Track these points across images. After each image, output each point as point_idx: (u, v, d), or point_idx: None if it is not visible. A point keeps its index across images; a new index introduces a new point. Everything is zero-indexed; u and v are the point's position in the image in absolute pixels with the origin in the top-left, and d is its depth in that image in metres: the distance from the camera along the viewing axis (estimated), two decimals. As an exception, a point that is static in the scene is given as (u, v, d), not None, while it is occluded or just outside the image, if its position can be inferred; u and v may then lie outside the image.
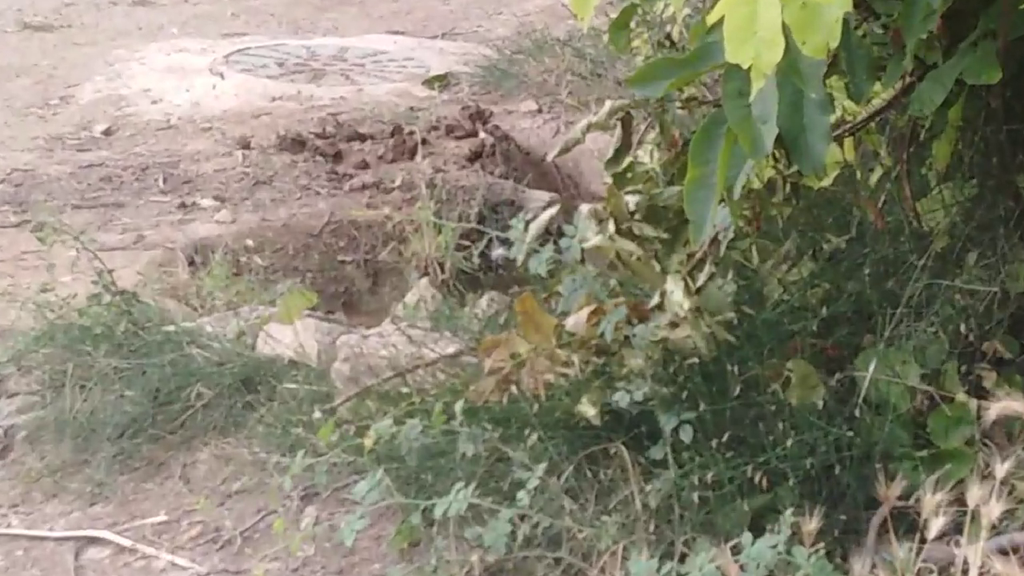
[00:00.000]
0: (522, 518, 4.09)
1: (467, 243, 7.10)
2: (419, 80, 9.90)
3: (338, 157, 8.32)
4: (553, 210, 4.83)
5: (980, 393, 4.29)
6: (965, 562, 3.53)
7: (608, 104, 4.70)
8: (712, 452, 4.07)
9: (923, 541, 3.54)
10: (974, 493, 3.45)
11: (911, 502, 3.72)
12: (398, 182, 7.87)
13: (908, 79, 4.43)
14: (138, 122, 8.96)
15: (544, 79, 9.61)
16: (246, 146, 8.46)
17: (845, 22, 3.30)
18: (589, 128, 4.66)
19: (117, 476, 5.05)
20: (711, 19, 3.28)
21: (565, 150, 4.80)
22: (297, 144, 8.42)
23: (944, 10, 4.02)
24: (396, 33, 11.14)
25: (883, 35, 4.26)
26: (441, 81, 9.81)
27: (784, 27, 3.13)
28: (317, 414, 4.90)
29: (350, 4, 11.27)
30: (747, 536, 3.72)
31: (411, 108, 9.27)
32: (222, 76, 9.71)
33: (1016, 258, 4.46)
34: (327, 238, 7.38)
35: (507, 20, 11.02)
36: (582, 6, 3.25)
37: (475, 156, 8.36)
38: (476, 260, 6.56)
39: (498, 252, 5.38)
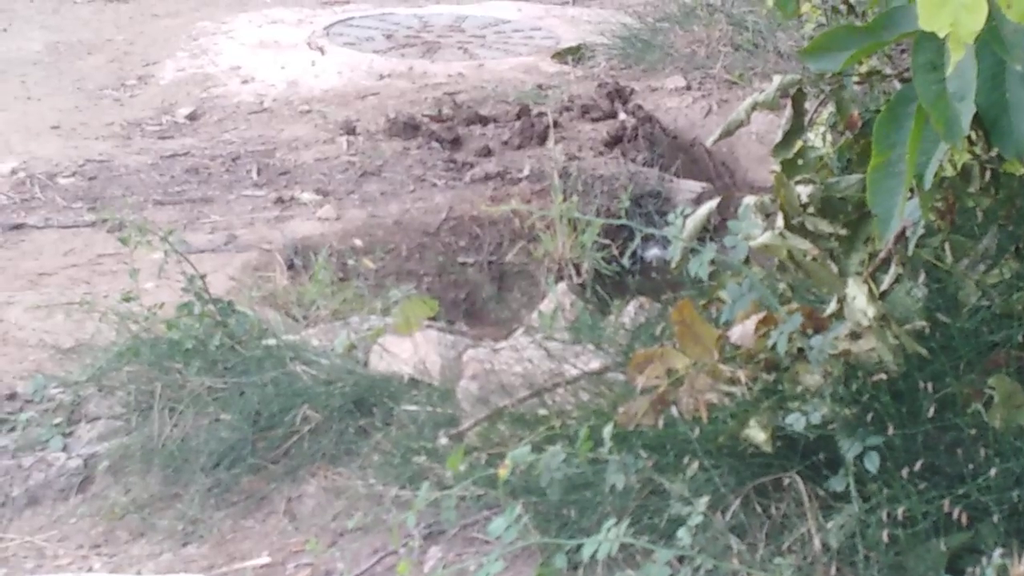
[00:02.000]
0: (681, 560, 4.09)
1: (607, 242, 7.10)
2: (548, 53, 9.90)
3: (457, 143, 8.34)
4: (712, 203, 4.82)
5: None
6: None
7: (776, 79, 4.69)
8: (903, 483, 4.05)
9: None
10: None
11: None
12: (526, 171, 7.87)
13: None
14: (227, 105, 8.99)
15: (693, 51, 9.58)
16: (351, 131, 8.48)
17: None
18: (755, 107, 4.65)
19: (213, 512, 5.05)
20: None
21: (727, 133, 4.79)
22: (410, 128, 8.43)
23: None
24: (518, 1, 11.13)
25: None
26: (574, 54, 9.81)
27: (986, -11, 3.12)
28: (442, 440, 4.91)
29: None
30: None
31: (539, 86, 9.27)
32: (322, 51, 9.74)
33: None
34: (446, 237, 7.39)
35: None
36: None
37: (615, 141, 8.35)
38: (622, 262, 6.40)
39: (652, 251, 5.39)
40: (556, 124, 8.46)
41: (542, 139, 8.38)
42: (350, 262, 6.88)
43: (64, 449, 5.38)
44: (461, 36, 10.29)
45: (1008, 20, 3.34)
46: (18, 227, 7.33)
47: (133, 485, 5.20)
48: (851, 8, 5.41)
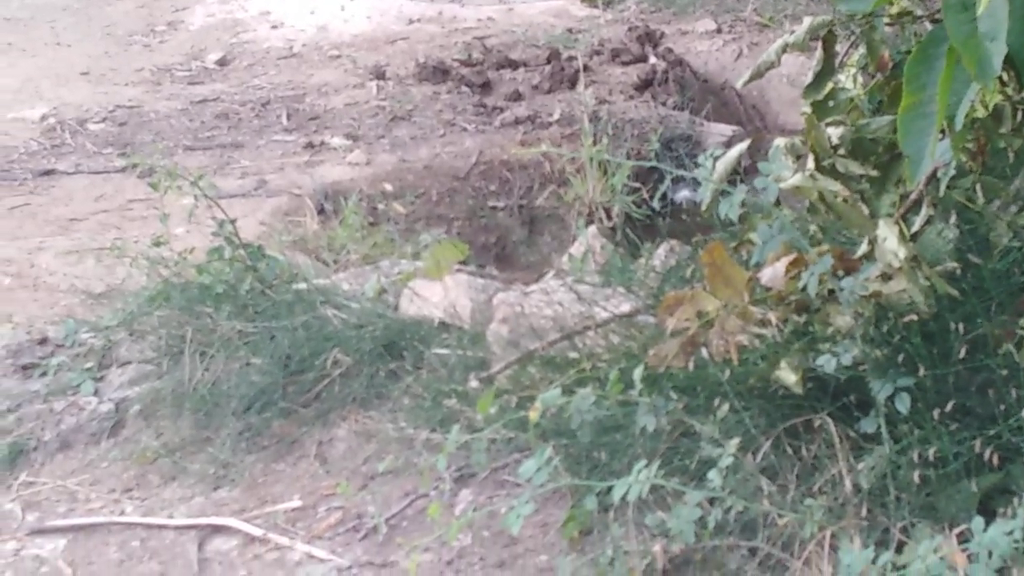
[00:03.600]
0: (712, 502, 4.09)
1: (637, 185, 7.10)
2: (579, -2, 9.89)
3: (486, 87, 8.35)
4: (743, 145, 4.82)
5: None
6: None
7: (807, 21, 4.68)
8: (934, 424, 4.05)
9: None
10: None
11: None
12: (556, 115, 7.88)
13: None
14: (256, 50, 9.00)
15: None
16: (380, 76, 8.49)
17: None
18: (785, 49, 4.65)
19: (244, 455, 5.06)
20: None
21: (757, 75, 4.79)
22: (439, 73, 8.44)
23: None
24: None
25: None
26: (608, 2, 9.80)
27: (1020, -73, 3.12)
28: (473, 383, 4.91)
29: None
30: (977, 521, 3.70)
31: (569, 30, 9.28)
32: (350, -5, 9.74)
33: None
34: (475, 181, 7.39)
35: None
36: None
37: (645, 84, 8.37)
38: (652, 206, 6.36)
39: (683, 194, 5.40)
40: (586, 68, 8.48)
41: (572, 83, 8.39)
42: (380, 206, 6.89)
43: (95, 393, 5.39)
44: (493, -22, 10.27)
45: None
46: (48, 173, 7.36)
47: (164, 429, 5.21)
48: None
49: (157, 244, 5.72)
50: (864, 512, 4.07)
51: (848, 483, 4.12)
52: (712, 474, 4.06)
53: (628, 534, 4.25)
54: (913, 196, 4.27)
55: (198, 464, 5.05)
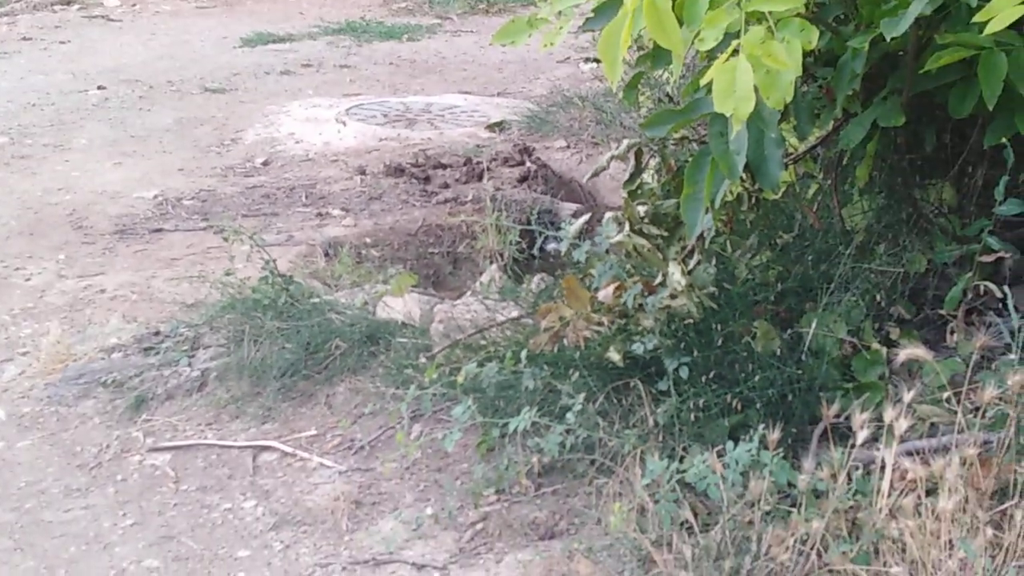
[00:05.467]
0: (568, 432, 4.11)
1: (520, 240, 7.14)
2: (483, 126, 9.85)
3: (427, 180, 8.32)
4: (586, 217, 4.85)
5: (889, 343, 4.31)
6: (882, 461, 3.56)
7: (625, 142, 4.71)
8: (702, 385, 4.09)
9: (852, 447, 3.56)
10: (888, 413, 3.47)
11: (843, 420, 3.75)
12: (470, 197, 7.87)
13: (837, 123, 4.44)
14: (286, 156, 8.96)
15: (571, 124, 9.57)
16: (362, 173, 8.45)
17: (794, 83, 3.31)
18: (612, 159, 4.68)
19: (281, 403, 5.10)
20: (703, 82, 3.29)
21: (595, 174, 4.81)
22: (398, 171, 8.41)
23: (863, 74, 4.04)
24: (466, 93, 11.06)
25: (819, 92, 4.28)
26: (499, 126, 9.77)
27: (754, 87, 3.14)
28: (422, 360, 4.95)
29: (433, 73, 11.25)
30: (729, 444, 3.75)
31: (478, 145, 9.25)
32: (344, 124, 9.69)
33: (913, 248, 4.49)
34: (421, 237, 7.39)
35: (544, 83, 10.99)
36: (612, 72, 3.24)
37: (523, 179, 8.35)
38: (529, 252, 6.57)
39: (551, 245, 5.45)
40: (488, 169, 8.48)
41: (479, 177, 8.37)
42: (363, 252, 6.94)
43: (188, 365, 5.37)
44: (429, 115, 10.20)
45: (767, 105, 3.36)
46: (158, 230, 7.32)
47: (232, 387, 5.20)
48: (670, 98, 5.42)
49: (227, 274, 5.71)
50: (661, 438, 4.10)
51: (651, 420, 4.14)
52: (569, 415, 4.09)
53: (517, 452, 4.27)
54: (689, 247, 4.30)
55: (252, 408, 5.08)
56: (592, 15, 3.79)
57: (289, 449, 4.79)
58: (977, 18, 3.31)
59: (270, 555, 4.16)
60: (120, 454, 4.86)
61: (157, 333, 5.77)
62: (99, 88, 10.65)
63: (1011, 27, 3.33)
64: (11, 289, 6.42)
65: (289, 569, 4.07)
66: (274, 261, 5.70)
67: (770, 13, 3.22)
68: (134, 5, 12.47)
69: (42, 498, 4.59)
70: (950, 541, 3.40)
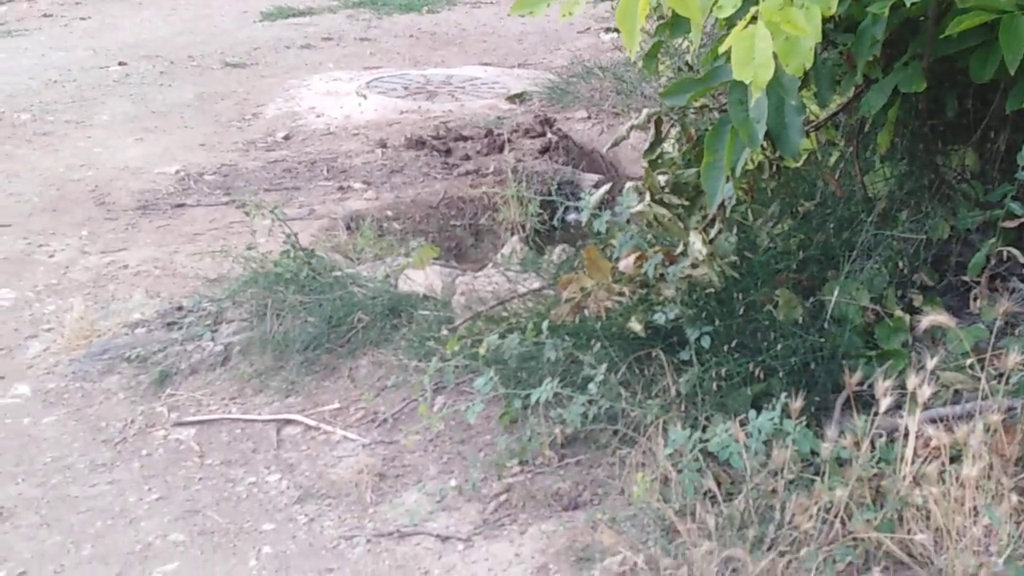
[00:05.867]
0: (590, 402, 4.10)
1: (542, 211, 7.12)
2: (503, 97, 9.84)
3: (448, 152, 8.31)
4: (607, 187, 4.85)
5: (912, 310, 4.30)
6: (906, 429, 3.54)
7: (645, 111, 4.71)
8: (724, 354, 4.08)
9: (875, 415, 3.55)
10: (911, 380, 3.46)
11: (865, 388, 3.73)
12: (491, 169, 7.85)
13: (858, 89, 4.42)
14: (307, 130, 8.96)
15: (591, 95, 9.55)
16: (383, 146, 8.44)
17: (814, 50, 3.30)
18: (632, 128, 4.68)
19: (304, 377, 5.10)
20: (721, 49, 3.28)
21: (615, 144, 4.82)
22: (419, 144, 8.40)
23: (884, 40, 4.01)
24: (486, 65, 11.05)
25: (839, 58, 4.27)
26: (519, 97, 9.76)
27: (773, 54, 3.12)
28: (444, 332, 4.94)
29: (453, 45, 11.19)
30: (751, 412, 3.73)
31: (498, 117, 9.23)
32: (365, 97, 9.68)
33: (936, 214, 4.46)
34: (443, 209, 7.37)
35: (564, 54, 10.94)
36: (630, 41, 3.23)
37: (544, 150, 8.33)
38: (551, 223, 6.47)
39: (571, 216, 5.44)
40: (509, 140, 8.45)
41: (500, 149, 8.35)
42: (384, 225, 6.92)
43: (212, 340, 5.38)
44: (450, 87, 10.19)
45: (786, 72, 3.34)
46: (180, 206, 7.32)
47: (255, 361, 5.20)
48: (691, 67, 5.40)
49: (249, 248, 5.71)
50: (683, 408, 4.09)
51: (673, 390, 4.13)
52: (591, 385, 4.08)
53: (540, 423, 4.26)
54: (710, 216, 4.29)
55: (275, 382, 5.08)
56: (611, -16, 3.78)
57: (312, 422, 4.79)
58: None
59: (294, 528, 4.17)
60: (145, 429, 4.87)
61: (180, 308, 5.78)
62: (120, 64, 10.67)
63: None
64: (35, 266, 6.44)
65: (314, 542, 4.08)
66: (296, 235, 5.70)
67: (789, -18, 3.21)
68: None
69: (68, 473, 4.61)
70: (975, 508, 3.40)
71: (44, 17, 11.28)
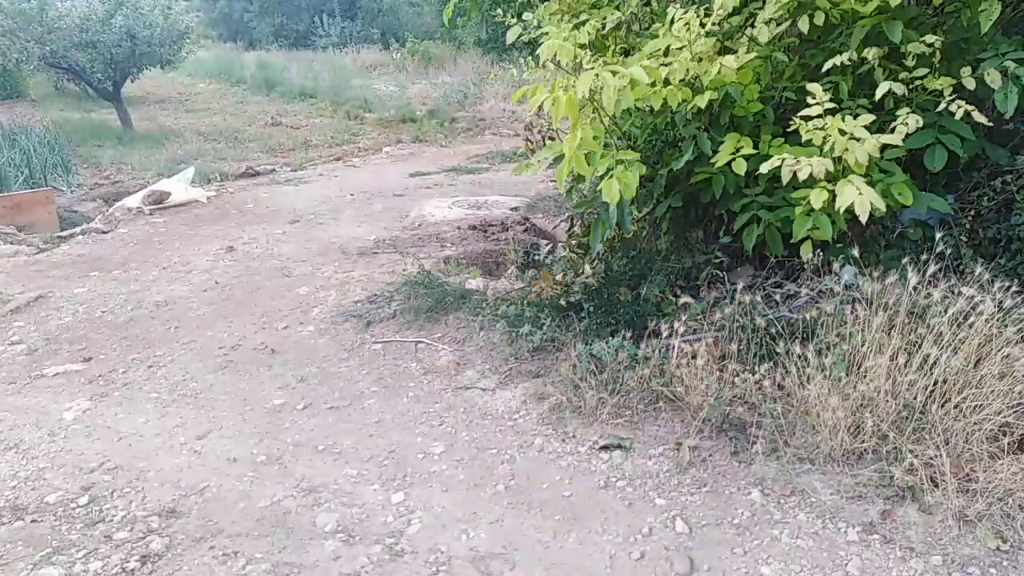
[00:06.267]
0: (544, 334, 4.10)
1: (524, 255, 7.09)
2: (508, 208, 9.81)
3: (485, 231, 8.20)
4: (551, 245, 4.85)
5: (676, 296, 4.20)
6: (674, 345, 3.52)
7: (567, 214, 4.71)
8: (599, 315, 4.00)
9: (660, 338, 3.52)
10: (676, 324, 3.44)
11: (656, 328, 3.68)
12: (503, 238, 7.81)
13: (653, 204, 4.37)
14: (427, 222, 8.88)
15: (545, 207, 9.50)
16: (459, 228, 8.36)
17: (636, 187, 3.28)
18: (562, 221, 4.67)
19: (426, 323, 4.96)
20: (599, 188, 3.27)
21: (555, 227, 4.83)
22: (473, 228, 8.32)
23: (665, 183, 3.98)
24: (501, 194, 11.01)
25: (646, 192, 4.15)
26: (515, 209, 9.71)
27: (619, 191, 3.12)
28: (484, 305, 4.88)
29: (487, 186, 11.08)
30: (609, 338, 3.70)
31: (506, 216, 9.20)
32: (451, 208, 9.61)
33: (685, 257, 4.43)
34: (484, 255, 7.32)
35: (534, 189, 10.86)
36: (560, 183, 3.25)
37: (525, 230, 8.24)
38: (527, 260, 6.30)
39: (536, 257, 5.41)
40: (509, 227, 8.36)
41: (507, 230, 8.24)
42: (459, 261, 6.85)
43: (388, 307, 5.25)
44: (486, 204, 10.10)
45: (624, 197, 3.31)
46: (375, 253, 7.24)
47: (407, 317, 5.09)
48: (584, 195, 5.35)
49: (403, 270, 5.73)
50: (582, 337, 4.00)
51: (577, 328, 4.01)
52: (544, 327, 4.00)
53: (522, 342, 4.18)
54: (592, 257, 4.27)
55: (414, 326, 4.95)
56: (552, 161, 3.79)
57: (430, 342, 4.72)
58: (713, 160, 3.31)
59: (422, 385, 4.17)
60: (360, 344, 4.81)
61: (375, 295, 5.72)
62: (350, 194, 10.57)
63: (726, 164, 3.33)
64: (315, 278, 6.41)
65: (430, 391, 4.08)
66: (422, 264, 5.73)
67: (626, 160, 3.23)
68: (365, 159, 12.40)
69: (328, 361, 4.58)
70: (702, 377, 3.40)
71: (320, 176, 11.22)
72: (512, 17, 3.89)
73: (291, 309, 5.53)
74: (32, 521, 2.94)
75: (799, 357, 3.16)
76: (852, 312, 3.13)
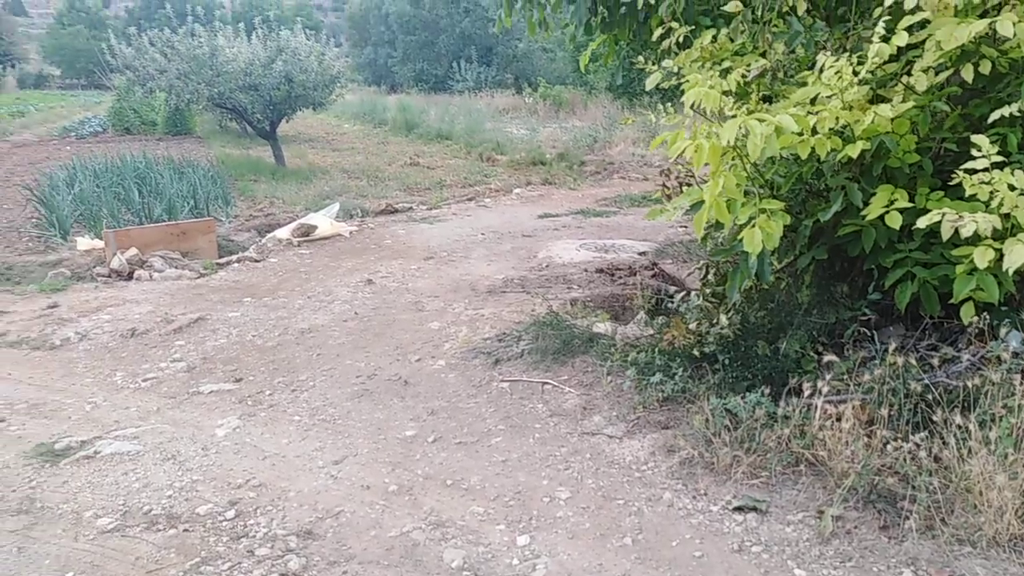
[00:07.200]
0: (676, 383, 4.01)
1: (652, 300, 6.98)
2: (636, 252, 9.75)
3: (613, 275, 8.19)
4: (684, 293, 4.77)
5: (819, 353, 4.04)
6: (816, 404, 3.38)
7: (701, 262, 4.64)
8: (735, 368, 3.91)
9: (802, 397, 3.39)
10: (819, 383, 3.31)
11: (797, 386, 3.55)
12: (631, 283, 7.75)
13: (796, 256, 4.24)
14: (555, 263, 8.96)
15: (676, 253, 9.36)
16: (586, 271, 8.39)
17: (779, 237, 3.20)
18: (695, 269, 4.59)
19: (552, 365, 4.94)
20: (740, 236, 3.22)
21: (688, 274, 4.74)
22: (600, 271, 8.31)
23: (809, 233, 3.86)
24: (628, 238, 10.98)
25: (789, 242, 4.06)
26: (643, 254, 9.64)
27: (762, 241, 3.06)
28: (613, 350, 4.84)
29: (614, 230, 10.99)
30: (746, 393, 3.61)
31: (634, 261, 9.15)
32: (578, 250, 9.64)
33: (830, 312, 4.25)
34: (611, 299, 7.26)
35: (664, 234, 10.72)
36: (699, 230, 3.21)
37: (653, 275, 8.15)
38: (658, 307, 6.04)
39: (669, 305, 5.31)
40: (637, 272, 8.27)
41: (635, 275, 8.16)
42: (587, 304, 6.81)
43: (516, 346, 5.30)
44: (614, 248, 10.08)
45: (766, 247, 3.24)
46: (504, 292, 7.32)
47: (534, 357, 5.09)
48: (721, 243, 5.24)
49: (532, 313, 5.77)
50: (716, 389, 3.93)
51: (711, 381, 3.94)
52: (676, 376, 3.94)
53: (652, 391, 4.13)
54: (729, 307, 4.18)
55: (541, 367, 4.92)
56: (690, 208, 3.77)
57: (556, 384, 4.70)
58: (864, 212, 3.18)
59: (547, 427, 4.14)
60: (488, 381, 4.83)
61: (504, 333, 5.76)
62: (481, 233, 10.92)
63: (878, 217, 3.20)
64: (447, 314, 6.55)
65: (556, 434, 4.06)
66: (551, 306, 5.75)
67: (769, 209, 3.17)
68: (496, 200, 12.77)
69: (458, 396, 4.62)
70: (847, 441, 3.23)
71: (453, 215, 11.67)
72: (652, 63, 3.92)
73: (423, 343, 5.66)
74: (184, 530, 3.07)
75: (959, 428, 2.93)
76: (1022, 383, 2.88)
